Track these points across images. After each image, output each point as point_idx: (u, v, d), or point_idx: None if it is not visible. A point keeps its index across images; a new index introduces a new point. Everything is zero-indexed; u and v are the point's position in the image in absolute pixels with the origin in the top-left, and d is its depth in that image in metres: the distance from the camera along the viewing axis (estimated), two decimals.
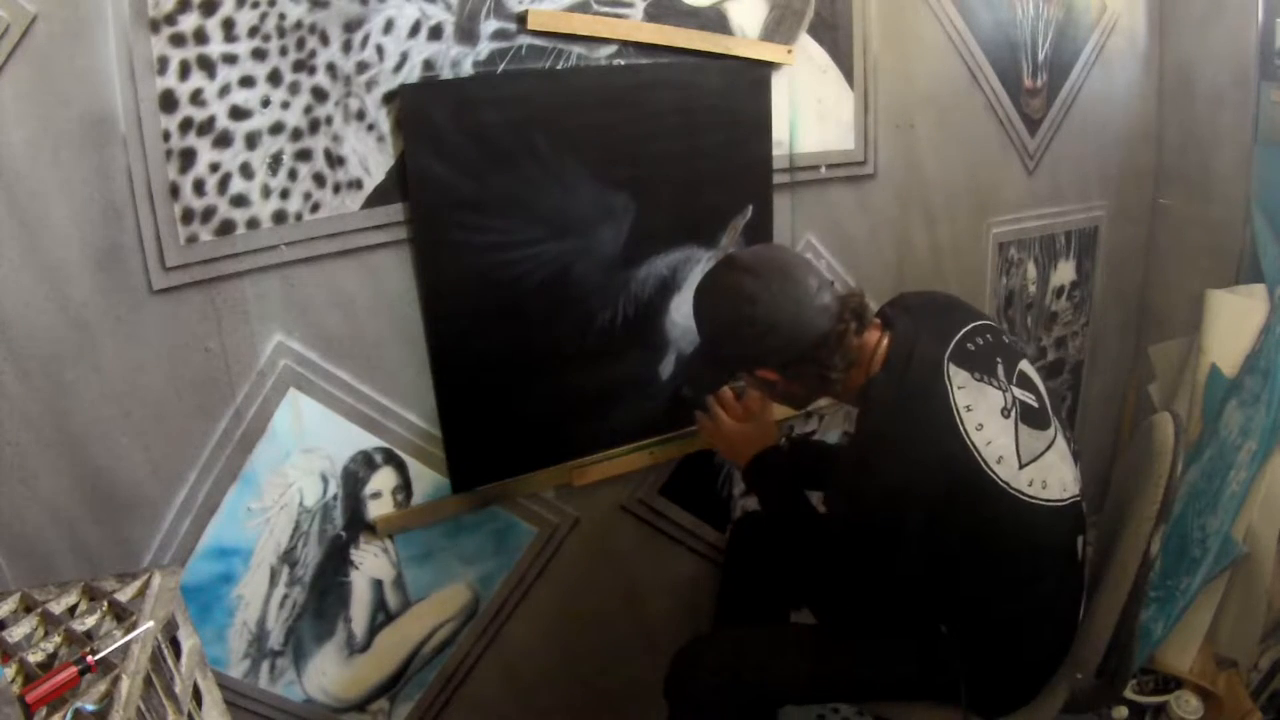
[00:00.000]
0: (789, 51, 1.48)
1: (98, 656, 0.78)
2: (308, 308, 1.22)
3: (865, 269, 1.69)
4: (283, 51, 1.12)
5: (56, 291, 1.05)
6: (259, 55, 1.11)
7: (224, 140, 1.11)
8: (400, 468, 1.36)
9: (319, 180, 1.18)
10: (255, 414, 1.22)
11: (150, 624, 0.85)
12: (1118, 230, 2.14)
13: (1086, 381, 2.23)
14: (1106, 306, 2.20)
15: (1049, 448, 1.15)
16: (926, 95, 1.70)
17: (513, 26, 1.25)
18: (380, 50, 1.18)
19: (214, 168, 1.11)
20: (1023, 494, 1.10)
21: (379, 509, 1.36)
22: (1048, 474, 1.13)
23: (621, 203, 1.39)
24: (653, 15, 1.35)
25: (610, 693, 1.71)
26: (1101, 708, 1.77)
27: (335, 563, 1.34)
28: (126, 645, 0.80)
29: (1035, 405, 1.17)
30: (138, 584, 0.93)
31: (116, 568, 1.06)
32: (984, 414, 1.11)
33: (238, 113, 1.11)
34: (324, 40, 1.15)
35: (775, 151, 1.52)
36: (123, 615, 0.88)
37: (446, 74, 1.23)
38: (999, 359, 1.17)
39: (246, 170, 1.14)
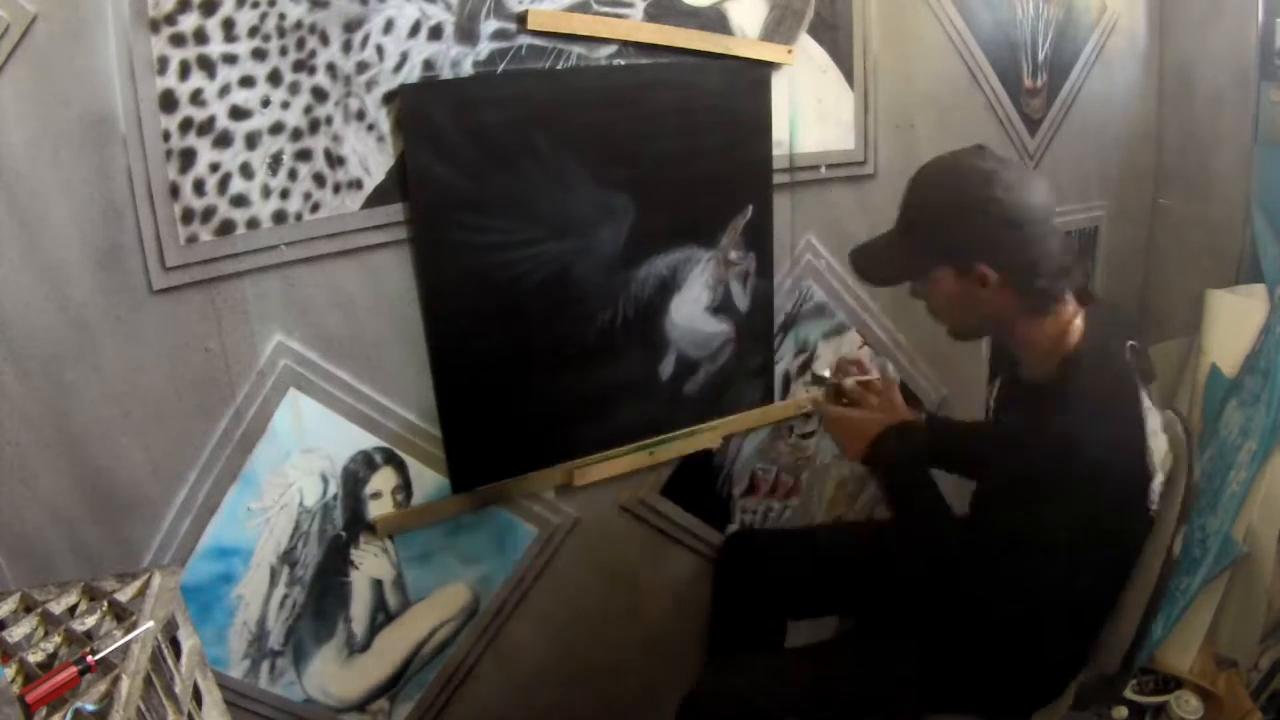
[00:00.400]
0: (789, 51, 1.48)
1: (98, 656, 0.78)
2: (308, 308, 1.22)
3: None
4: (283, 51, 1.12)
5: (56, 291, 1.05)
6: (259, 55, 1.11)
7: (224, 140, 1.11)
8: (400, 468, 1.36)
9: (319, 180, 1.18)
10: (255, 414, 1.22)
11: (150, 624, 0.85)
12: (1118, 230, 2.14)
13: None
14: None
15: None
16: (926, 95, 1.70)
17: (513, 26, 1.25)
18: (380, 50, 1.18)
19: (214, 168, 1.11)
20: (1150, 502, 1.09)
21: (379, 509, 1.36)
22: (1160, 485, 1.11)
23: (621, 203, 1.39)
24: (653, 15, 1.35)
25: (610, 692, 1.71)
26: (1101, 706, 1.77)
27: (335, 563, 1.34)
28: (126, 645, 0.80)
29: None
30: (138, 584, 0.93)
31: (116, 568, 1.05)
32: (1153, 422, 1.08)
33: (238, 113, 1.11)
34: (324, 40, 1.15)
35: (775, 151, 1.52)
36: (123, 615, 0.88)
37: (446, 74, 1.23)
38: (1146, 374, 1.14)
39: (246, 170, 1.14)
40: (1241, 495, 1.73)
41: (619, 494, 1.59)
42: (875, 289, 1.68)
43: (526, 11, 1.24)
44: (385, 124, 1.20)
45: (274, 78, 1.13)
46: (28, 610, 0.90)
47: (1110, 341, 1.11)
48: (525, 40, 1.27)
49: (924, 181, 1.14)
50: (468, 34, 1.23)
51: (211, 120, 1.10)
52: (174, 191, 1.09)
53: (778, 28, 1.48)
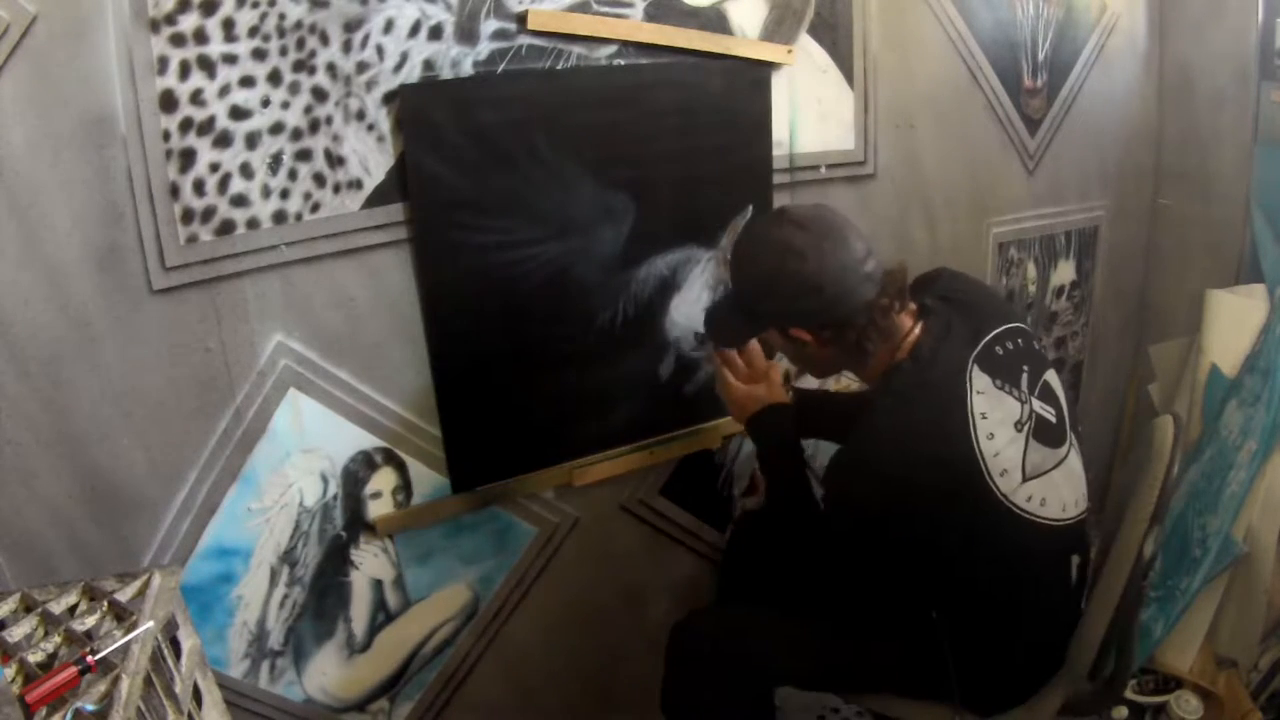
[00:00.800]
0: (789, 51, 1.48)
1: (98, 656, 0.78)
2: (308, 308, 1.22)
3: None
4: (283, 51, 1.12)
5: (56, 291, 1.05)
6: (259, 55, 1.11)
7: (224, 140, 1.11)
8: (400, 468, 1.36)
9: (319, 180, 1.18)
10: (255, 414, 1.22)
11: (150, 624, 0.85)
12: (1118, 230, 2.14)
13: (1086, 382, 2.23)
14: (1106, 306, 2.20)
15: (1057, 465, 1.14)
16: (926, 95, 1.70)
17: (513, 26, 1.25)
18: (380, 50, 1.18)
19: (214, 168, 1.11)
20: (1019, 508, 1.10)
21: (379, 509, 1.36)
22: (1049, 492, 1.12)
23: (621, 203, 1.39)
24: (653, 15, 1.35)
25: (610, 692, 1.71)
26: (1102, 710, 1.77)
27: (335, 563, 1.34)
28: (126, 645, 0.80)
29: (1053, 420, 1.15)
30: (138, 584, 0.93)
31: (116, 568, 1.05)
32: (997, 424, 1.10)
33: (238, 113, 1.11)
34: (324, 40, 1.15)
35: (775, 151, 1.52)
36: (123, 615, 0.88)
37: (446, 74, 1.23)
38: (1025, 367, 1.15)
39: (246, 170, 1.14)
40: (1241, 495, 1.73)
41: (619, 494, 1.59)
42: None
43: (526, 11, 1.24)
44: (385, 124, 1.20)
45: (274, 78, 1.13)
46: (28, 610, 0.90)
47: (938, 348, 1.13)
48: (525, 40, 1.27)
49: (737, 253, 1.20)
50: (468, 34, 1.23)
51: (211, 120, 1.10)
52: (174, 191, 1.09)
53: (778, 28, 1.48)
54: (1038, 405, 1.14)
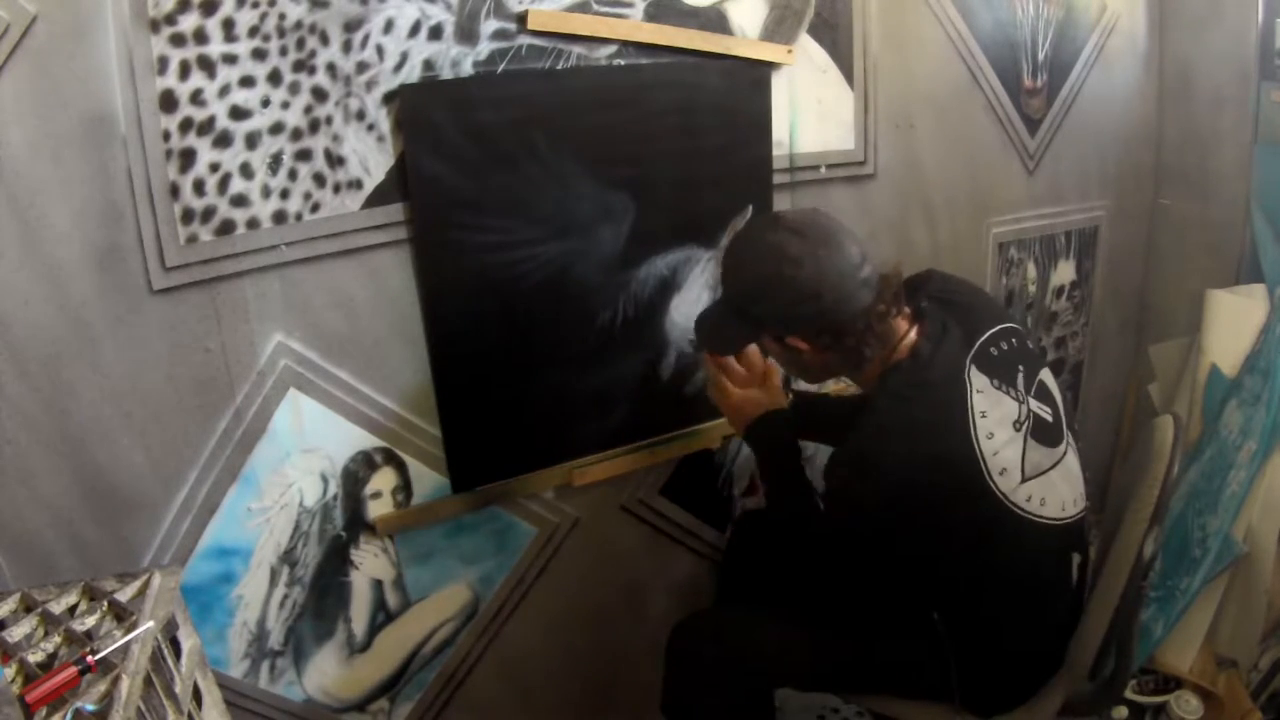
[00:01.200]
0: (789, 51, 1.48)
1: (98, 656, 0.78)
2: (308, 308, 1.22)
3: None
4: (283, 51, 1.12)
5: (56, 291, 1.05)
6: (259, 55, 1.11)
7: (224, 140, 1.11)
8: (400, 468, 1.36)
9: (319, 180, 1.18)
10: (255, 414, 1.22)
11: (150, 624, 0.85)
12: (1118, 230, 2.14)
13: (1086, 381, 2.23)
14: (1106, 306, 2.20)
15: (1055, 465, 1.14)
16: (926, 95, 1.70)
17: (513, 26, 1.25)
18: (380, 50, 1.18)
19: (214, 168, 1.11)
20: (1019, 508, 1.10)
21: (379, 509, 1.36)
22: (1048, 491, 1.12)
23: (621, 203, 1.39)
24: (653, 15, 1.35)
25: (610, 692, 1.71)
26: (1102, 710, 1.77)
27: (335, 563, 1.34)
28: (126, 645, 0.80)
29: (1050, 420, 1.15)
30: (138, 584, 0.93)
31: (116, 568, 1.05)
32: (996, 423, 1.09)
33: (238, 113, 1.11)
34: (324, 40, 1.15)
35: (775, 152, 1.52)
36: (123, 615, 0.88)
37: (446, 74, 1.23)
38: (1021, 367, 1.15)
39: (246, 170, 1.14)
40: (1241, 495, 1.73)
41: (619, 494, 1.59)
42: None
43: (526, 11, 1.24)
44: (385, 124, 1.20)
45: (274, 78, 1.13)
46: (28, 610, 0.90)
47: (936, 349, 1.12)
48: (525, 40, 1.27)
49: (729, 259, 1.19)
50: (468, 34, 1.23)
51: (211, 120, 1.10)
52: (174, 191, 1.09)
53: (778, 28, 1.48)
54: (1034, 405, 1.14)
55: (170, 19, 1.05)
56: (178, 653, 0.93)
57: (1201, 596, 1.75)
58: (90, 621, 0.87)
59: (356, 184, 1.21)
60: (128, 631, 0.83)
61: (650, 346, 1.49)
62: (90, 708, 0.74)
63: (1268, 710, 1.71)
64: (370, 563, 1.37)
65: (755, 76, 1.47)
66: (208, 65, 1.08)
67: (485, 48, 1.24)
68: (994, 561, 1.12)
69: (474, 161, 1.25)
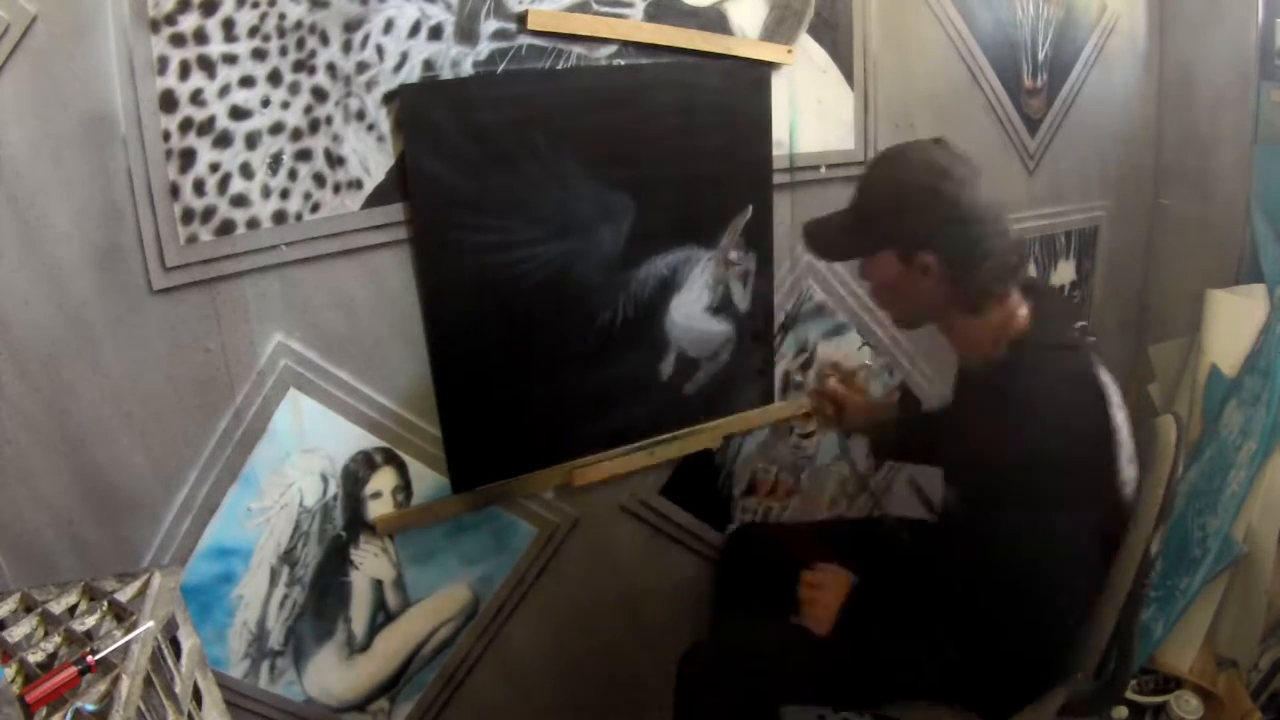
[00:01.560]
0: (789, 51, 1.48)
1: (98, 656, 0.78)
2: (308, 308, 1.22)
3: None
4: (283, 51, 1.12)
5: (57, 291, 1.05)
6: (259, 55, 1.11)
7: (224, 140, 1.11)
8: (400, 468, 1.36)
9: (319, 180, 1.18)
10: (255, 414, 1.22)
11: (150, 624, 0.85)
12: (1118, 230, 2.14)
13: None
14: (1106, 306, 2.20)
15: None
16: (926, 95, 1.70)
17: (513, 26, 1.25)
18: (380, 50, 1.18)
19: (214, 168, 1.11)
20: (1121, 488, 1.11)
21: (379, 509, 1.36)
22: (1133, 471, 1.13)
23: (621, 203, 1.39)
24: (653, 15, 1.35)
25: (610, 692, 1.71)
26: (1102, 710, 1.77)
27: (335, 563, 1.34)
28: (126, 645, 0.80)
29: None
30: (138, 584, 0.93)
31: (116, 568, 1.05)
32: (1114, 395, 1.10)
33: (238, 113, 1.11)
34: (324, 40, 1.15)
35: (775, 151, 1.52)
36: (123, 615, 0.88)
37: (446, 74, 1.23)
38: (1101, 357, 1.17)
39: (246, 170, 1.14)
40: (1241, 495, 1.73)
41: (619, 494, 1.59)
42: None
43: (526, 11, 1.25)
44: (385, 124, 1.20)
45: (274, 78, 1.13)
46: (28, 610, 0.90)
47: (1058, 321, 1.13)
48: (525, 40, 1.27)
49: (879, 166, 1.16)
50: (468, 34, 1.23)
51: (211, 120, 1.10)
52: (174, 191, 1.09)
53: (778, 28, 1.48)
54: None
55: (170, 19, 1.05)
56: (178, 653, 0.93)
57: (1201, 596, 1.75)
58: (90, 621, 0.87)
59: (356, 184, 1.21)
60: (128, 631, 0.83)
61: (650, 346, 1.49)
62: (90, 708, 0.74)
63: (1268, 710, 1.71)
64: (370, 563, 1.37)
65: (755, 76, 1.47)
66: (208, 65, 1.08)
67: (485, 48, 1.24)
68: (1095, 537, 1.11)
69: (474, 161, 1.25)
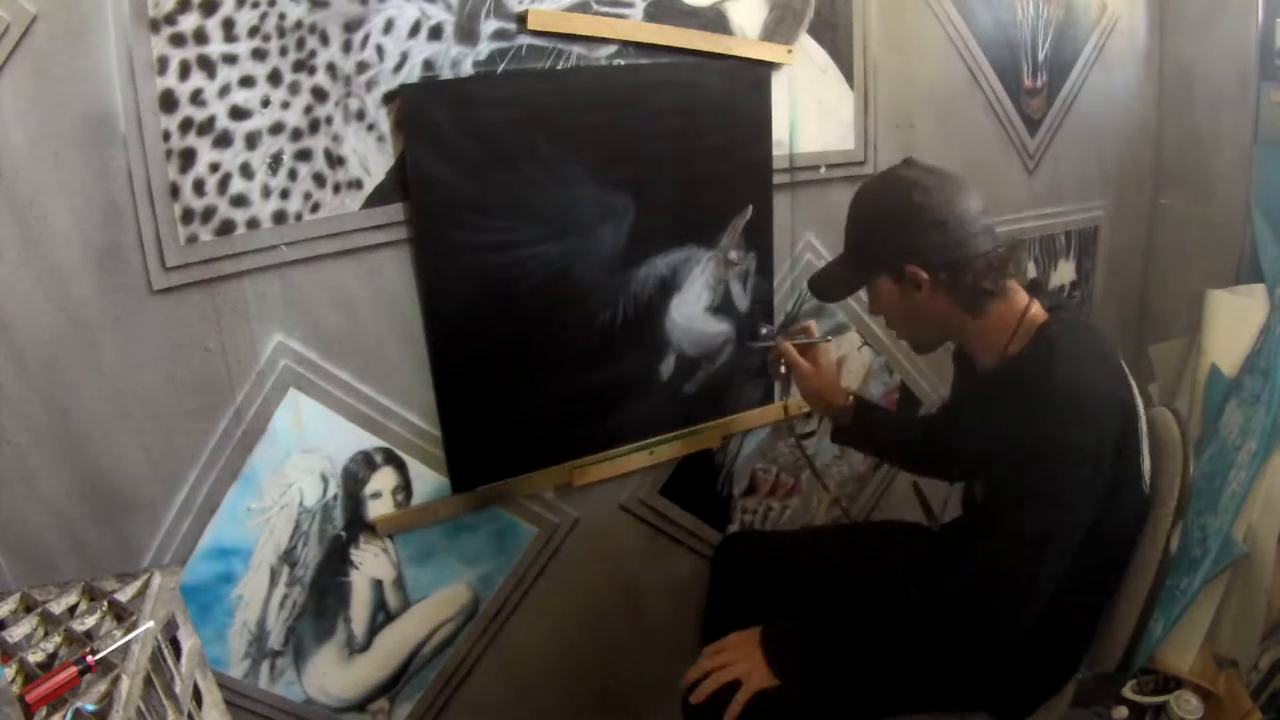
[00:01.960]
0: (789, 51, 1.48)
1: (98, 656, 0.78)
2: (308, 308, 1.22)
3: None
4: (283, 51, 1.12)
5: (57, 291, 1.05)
6: (259, 55, 1.11)
7: (224, 140, 1.11)
8: (400, 468, 1.36)
9: (319, 180, 1.18)
10: (255, 414, 1.22)
11: (150, 624, 0.85)
12: (1118, 230, 2.14)
13: None
14: (1106, 306, 2.20)
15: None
16: (926, 95, 1.70)
17: (513, 26, 1.25)
18: (380, 50, 1.18)
19: (214, 168, 1.11)
20: (1144, 474, 1.12)
21: (379, 509, 1.36)
22: (1147, 461, 1.14)
23: (621, 203, 1.39)
24: (653, 15, 1.35)
25: (610, 692, 1.71)
26: (1101, 706, 1.77)
27: (335, 563, 1.34)
28: (126, 645, 0.80)
29: None
30: (138, 584, 0.93)
31: (116, 568, 1.05)
32: (1133, 383, 1.11)
33: (238, 113, 1.11)
34: (324, 40, 1.15)
35: (775, 151, 1.52)
36: (123, 615, 0.88)
37: (446, 74, 1.23)
38: None
39: (246, 170, 1.14)
40: (1241, 495, 1.73)
41: (619, 494, 1.59)
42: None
43: (526, 11, 1.25)
44: (385, 124, 1.20)
45: (274, 78, 1.13)
46: (28, 610, 0.90)
47: (1072, 312, 1.15)
48: (525, 40, 1.27)
49: (857, 198, 1.21)
50: (468, 34, 1.23)
51: (211, 120, 1.10)
52: (174, 191, 1.09)
53: (778, 28, 1.48)
54: None
55: (170, 19, 1.05)
56: (178, 653, 0.93)
57: (1201, 596, 1.75)
58: (90, 621, 0.87)
59: (356, 184, 1.21)
60: (128, 631, 0.83)
61: (650, 346, 1.49)
62: (90, 708, 0.74)
63: (1268, 710, 1.71)
64: (370, 563, 1.37)
65: (755, 76, 1.47)
66: (208, 65, 1.08)
67: (485, 48, 1.24)
68: (1116, 529, 1.11)
69: (474, 161, 1.25)
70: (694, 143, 1.43)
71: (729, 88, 1.44)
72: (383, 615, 1.41)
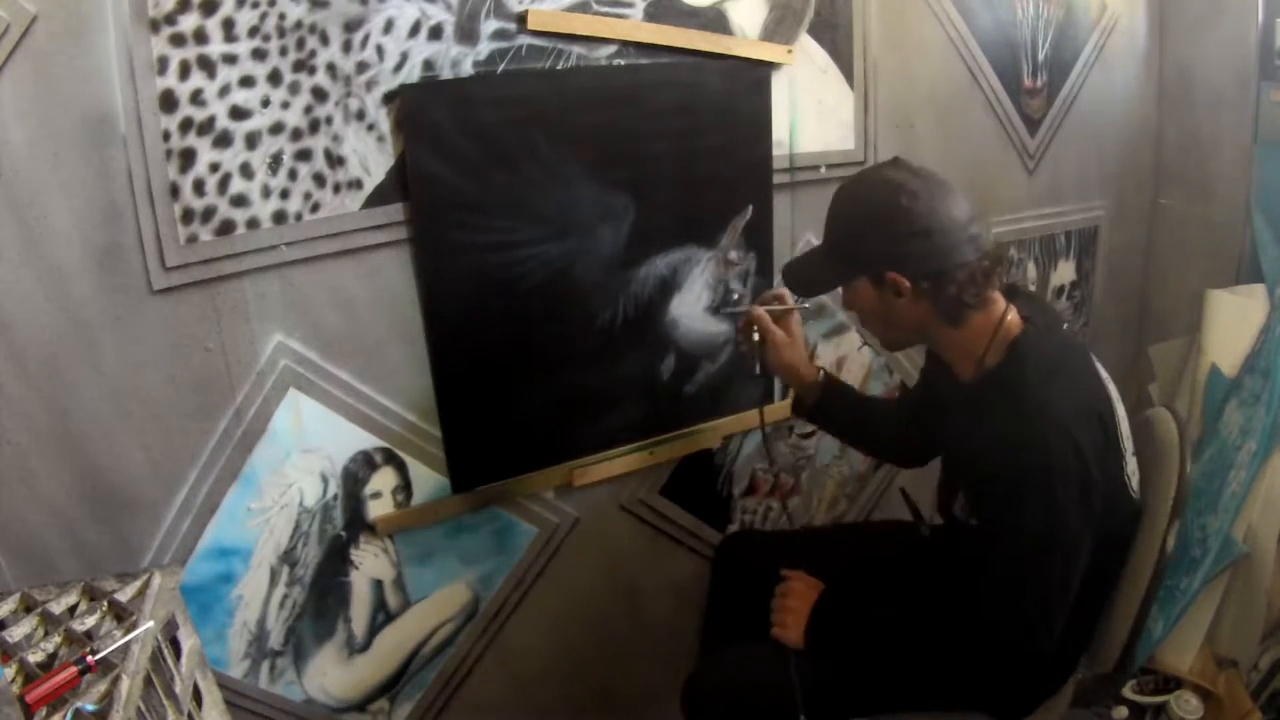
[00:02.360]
0: (789, 51, 1.48)
1: (98, 656, 0.78)
2: (308, 308, 1.22)
3: None
4: (283, 51, 1.12)
5: (57, 291, 1.05)
6: (259, 55, 1.11)
7: (224, 140, 1.11)
8: (400, 468, 1.36)
9: (319, 180, 1.18)
10: (255, 414, 1.22)
11: (150, 624, 0.85)
12: (1118, 230, 2.14)
13: None
14: (1106, 306, 2.20)
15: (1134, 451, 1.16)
16: (926, 95, 1.70)
17: (513, 26, 1.25)
18: (380, 50, 1.18)
19: (214, 168, 1.11)
20: (1128, 480, 1.12)
21: (379, 509, 1.36)
22: (1134, 468, 1.14)
23: (621, 203, 1.39)
24: (653, 15, 1.35)
25: (610, 692, 1.71)
26: (1101, 706, 1.77)
27: (335, 563, 1.34)
28: (126, 645, 0.80)
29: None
30: (138, 584, 0.93)
31: (116, 568, 1.06)
32: (1114, 392, 1.12)
33: (238, 113, 1.11)
34: (324, 40, 1.15)
35: (775, 151, 1.52)
36: (123, 615, 0.88)
37: (446, 74, 1.23)
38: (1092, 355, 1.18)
39: (246, 170, 1.14)
40: (1241, 495, 1.73)
41: (619, 494, 1.59)
42: None
43: (526, 11, 1.25)
44: (385, 124, 1.20)
45: (274, 78, 1.13)
46: (28, 610, 0.90)
47: (1049, 320, 1.14)
48: (525, 40, 1.27)
49: (840, 195, 1.17)
50: (468, 34, 1.23)
51: (211, 120, 1.10)
52: (174, 191, 1.09)
53: (778, 28, 1.48)
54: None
55: (170, 19, 1.05)
56: (178, 653, 0.93)
57: (1201, 596, 1.75)
58: (90, 621, 0.87)
59: (356, 184, 1.21)
60: (128, 631, 0.83)
61: (650, 346, 1.49)
62: (90, 708, 0.74)
63: (1268, 710, 1.71)
64: (370, 563, 1.37)
65: (755, 76, 1.47)
66: (208, 65, 1.08)
67: (485, 48, 1.24)
68: (1103, 536, 1.10)
69: (474, 161, 1.25)
70: (694, 143, 1.43)
71: (729, 88, 1.44)
72: (383, 615, 1.41)
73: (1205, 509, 1.78)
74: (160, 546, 1.19)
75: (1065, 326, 1.18)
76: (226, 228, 1.14)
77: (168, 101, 1.07)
